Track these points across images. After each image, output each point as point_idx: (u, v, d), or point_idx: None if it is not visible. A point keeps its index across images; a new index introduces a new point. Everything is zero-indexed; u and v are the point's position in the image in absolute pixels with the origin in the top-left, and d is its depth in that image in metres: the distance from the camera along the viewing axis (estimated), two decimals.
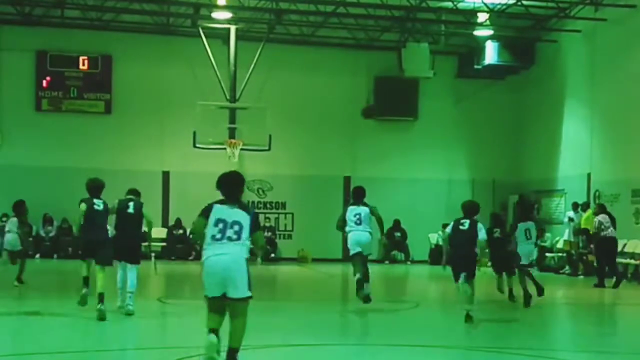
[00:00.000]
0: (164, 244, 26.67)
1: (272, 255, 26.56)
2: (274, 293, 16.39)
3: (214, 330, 7.91)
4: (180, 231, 27.38)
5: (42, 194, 26.52)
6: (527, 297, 14.72)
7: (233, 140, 25.66)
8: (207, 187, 28.39)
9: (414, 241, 28.23)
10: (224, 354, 7.99)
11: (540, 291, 15.19)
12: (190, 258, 26.99)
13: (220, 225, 7.87)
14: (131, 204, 12.86)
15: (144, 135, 27.44)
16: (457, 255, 12.70)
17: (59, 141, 26.99)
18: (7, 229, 17.60)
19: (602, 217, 20.28)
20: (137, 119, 27.39)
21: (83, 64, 27.23)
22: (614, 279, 19.74)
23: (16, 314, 12.91)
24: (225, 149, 25.52)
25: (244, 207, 8.07)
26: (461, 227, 12.77)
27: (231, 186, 8.13)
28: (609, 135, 24.47)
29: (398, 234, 28.33)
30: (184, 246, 27.26)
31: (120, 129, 27.30)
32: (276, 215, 28.02)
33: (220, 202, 8.07)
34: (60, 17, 26.58)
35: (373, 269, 25.79)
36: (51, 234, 26.57)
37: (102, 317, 11.75)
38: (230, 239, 7.83)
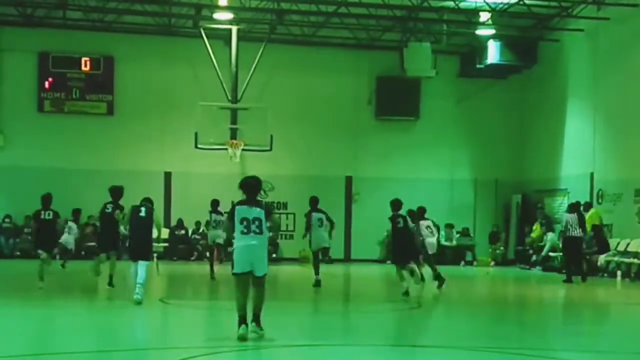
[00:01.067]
0: (166, 244, 26.68)
1: (274, 255, 26.54)
2: (275, 293, 16.38)
3: (243, 319, 10.12)
4: (182, 232, 27.40)
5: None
6: (440, 281, 17.75)
7: (234, 141, 25.66)
8: (208, 188, 28.59)
9: None
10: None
11: (442, 282, 17.80)
12: (192, 258, 27.03)
13: (245, 223, 10.09)
14: (143, 208, 14.29)
15: (145, 136, 27.47)
16: (403, 248, 16.11)
17: (61, 142, 27.03)
18: (67, 230, 22.50)
19: (570, 217, 20.69)
20: (139, 120, 27.40)
21: (85, 65, 27.24)
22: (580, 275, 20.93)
23: (19, 315, 12.91)
24: (226, 149, 25.53)
25: (260, 206, 10.25)
26: (398, 225, 16.05)
27: (251, 189, 10.32)
28: (612, 134, 24.43)
29: None
30: (186, 247, 27.29)
31: (122, 130, 27.33)
32: (278, 216, 28.00)
33: (241, 202, 10.24)
34: (62, 19, 26.61)
35: (376, 269, 25.88)
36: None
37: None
38: (255, 232, 10.10)
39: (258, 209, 10.18)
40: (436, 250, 18.96)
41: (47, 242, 16.71)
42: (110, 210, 15.46)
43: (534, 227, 26.71)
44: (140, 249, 14.09)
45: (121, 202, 15.93)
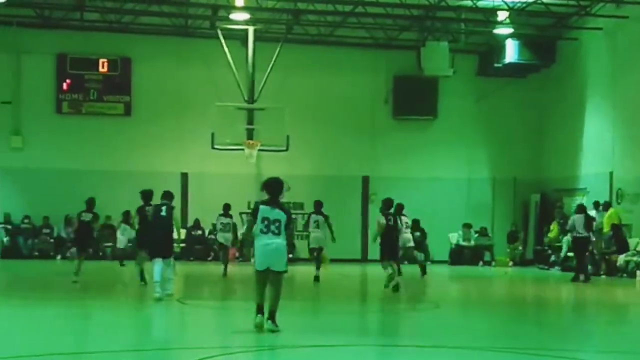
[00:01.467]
0: (183, 244, 26.68)
1: (290, 255, 26.48)
2: (292, 293, 16.37)
3: (259, 308, 10.77)
4: (199, 232, 27.41)
5: (63, 195, 26.68)
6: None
7: (251, 141, 25.65)
8: (225, 188, 28.60)
9: (434, 241, 28.11)
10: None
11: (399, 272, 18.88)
12: (209, 259, 27.04)
13: (265, 222, 10.74)
14: (164, 207, 14.80)
15: (162, 137, 27.51)
16: (391, 245, 17.33)
17: (79, 143, 27.12)
18: (120, 231, 24.49)
19: (577, 217, 21.12)
20: (156, 121, 27.45)
21: (102, 67, 27.33)
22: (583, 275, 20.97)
23: (39, 315, 12.95)
24: (243, 149, 25.52)
25: (282, 208, 10.93)
26: (389, 222, 17.28)
27: (273, 189, 11.02)
28: (632, 133, 24.24)
29: (417, 233, 28.12)
30: (202, 247, 27.31)
31: (139, 131, 27.39)
32: (294, 216, 27.96)
33: (264, 202, 10.92)
34: (79, 20, 26.71)
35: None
36: (72, 236, 26.62)
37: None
38: (273, 232, 10.75)
39: (280, 211, 10.85)
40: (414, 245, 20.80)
41: (82, 241, 18.72)
42: (151, 212, 15.94)
43: (552, 227, 26.52)
44: (159, 247, 14.59)
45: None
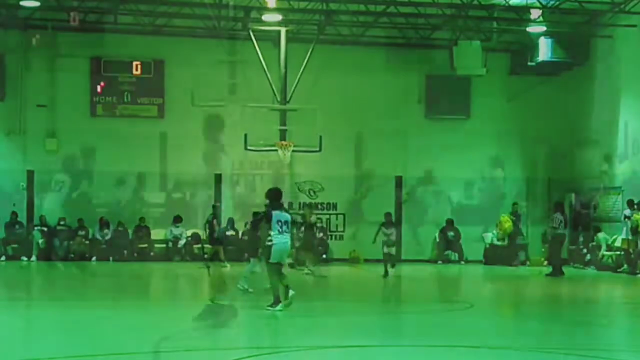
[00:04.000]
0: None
1: (324, 256, 26.51)
2: (325, 294, 16.41)
3: (278, 299, 13.08)
4: (232, 232, 27.48)
5: (98, 197, 26.95)
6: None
7: (284, 142, 25.69)
8: (258, 189, 28.48)
9: (468, 241, 28.00)
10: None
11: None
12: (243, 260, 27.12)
13: (280, 224, 13.05)
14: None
15: (196, 138, 27.64)
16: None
17: (113, 145, 27.31)
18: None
19: (557, 215, 22.40)
20: (189, 122, 27.58)
21: (136, 69, 27.50)
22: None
23: (73, 316, 13.09)
24: (276, 150, 25.59)
25: (287, 211, 13.68)
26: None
27: (277, 196, 13.58)
28: None
29: (451, 233, 28.11)
30: (234, 248, 27.34)
31: (172, 132, 27.54)
32: (327, 216, 28.00)
33: (274, 208, 13.29)
34: (113, 23, 26.86)
35: (427, 268, 25.71)
36: (107, 237, 26.89)
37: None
38: (286, 232, 13.15)
39: (287, 214, 13.50)
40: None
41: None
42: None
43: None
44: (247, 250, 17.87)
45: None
